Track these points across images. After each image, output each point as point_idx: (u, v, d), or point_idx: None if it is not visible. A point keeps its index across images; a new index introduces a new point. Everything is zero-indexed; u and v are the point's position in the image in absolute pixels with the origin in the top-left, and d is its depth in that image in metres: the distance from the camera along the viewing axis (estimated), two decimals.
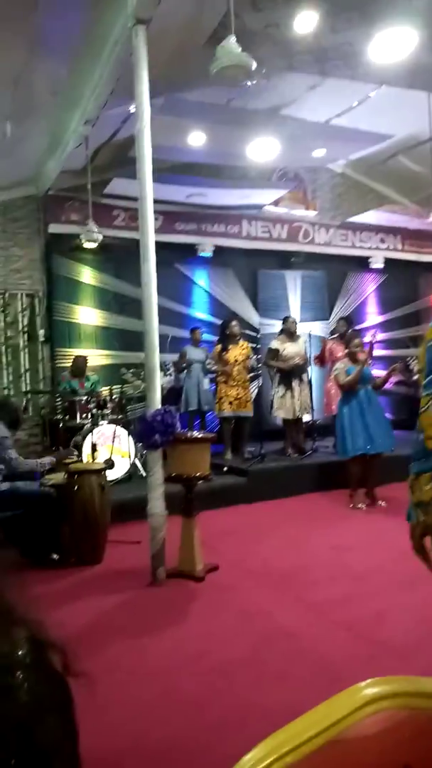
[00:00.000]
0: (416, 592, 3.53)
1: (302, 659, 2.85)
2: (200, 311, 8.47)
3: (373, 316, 9.98)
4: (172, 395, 7.36)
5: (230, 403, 6.95)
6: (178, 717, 2.42)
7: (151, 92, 4.17)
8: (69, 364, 7.35)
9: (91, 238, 6.60)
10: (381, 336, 8.43)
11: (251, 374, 7.39)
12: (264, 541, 4.98)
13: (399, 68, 5.08)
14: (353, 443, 5.74)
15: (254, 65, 3.26)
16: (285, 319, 7.37)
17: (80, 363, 7.12)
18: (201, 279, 8.49)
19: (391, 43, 4.60)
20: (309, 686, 2.54)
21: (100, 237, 6.69)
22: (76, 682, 0.46)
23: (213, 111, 5.96)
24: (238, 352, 7.04)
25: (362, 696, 0.71)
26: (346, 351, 5.93)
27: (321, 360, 7.76)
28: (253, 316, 8.83)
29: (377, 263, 9.87)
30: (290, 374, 7.07)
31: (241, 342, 7.17)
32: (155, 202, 4.29)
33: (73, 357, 7.33)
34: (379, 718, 0.72)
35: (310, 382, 7.35)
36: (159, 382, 4.09)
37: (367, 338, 6.62)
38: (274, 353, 7.11)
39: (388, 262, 9.92)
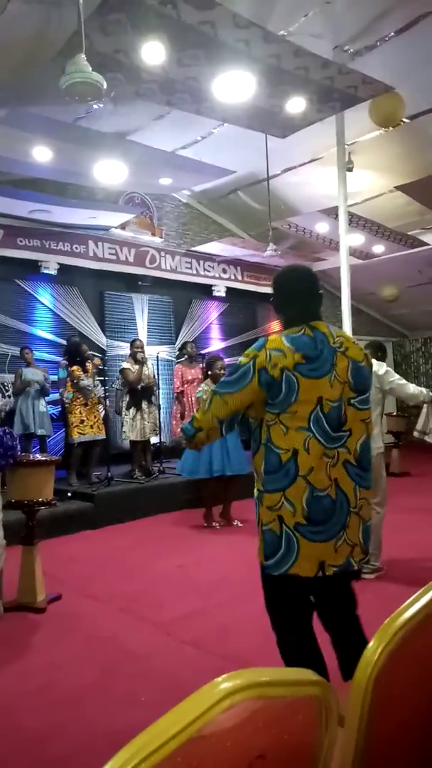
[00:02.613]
0: (257, 603, 3.66)
1: (150, 680, 2.82)
2: (43, 330, 8.16)
3: (216, 342, 10.36)
4: (10, 418, 6.97)
5: (91, 426, 6.77)
6: (20, 756, 2.25)
7: None
8: None
9: None
10: None
11: (98, 396, 7.25)
12: (110, 566, 4.87)
13: (239, 109, 5.42)
14: (210, 464, 5.80)
15: (105, 85, 3.28)
16: (132, 342, 7.36)
17: None
18: (44, 297, 8.21)
19: (232, 84, 4.90)
20: (158, 705, 2.51)
21: None
22: None
23: (59, 128, 5.87)
24: (91, 373, 6.90)
25: (219, 690, 0.73)
26: (210, 373, 6.02)
27: (179, 389, 7.87)
28: (99, 337, 8.71)
29: (220, 292, 10.31)
30: (140, 396, 7.05)
31: (90, 362, 7.02)
32: None
33: None
34: (236, 710, 0.75)
35: (159, 405, 7.40)
36: None
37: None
38: (127, 373, 7.05)
39: (230, 291, 10.41)
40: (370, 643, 0.98)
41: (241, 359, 1.97)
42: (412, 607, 1.02)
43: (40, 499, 3.93)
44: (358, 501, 1.97)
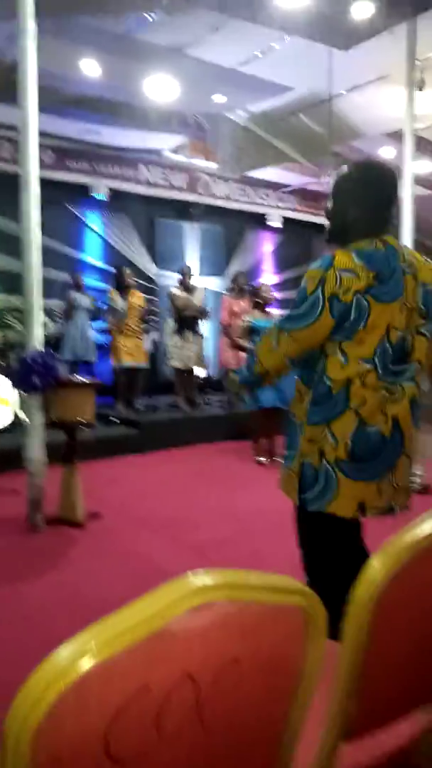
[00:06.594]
0: (293, 534, 3.68)
1: None
2: (93, 256, 8.14)
3: (268, 275, 10.10)
4: (59, 344, 7.07)
5: (129, 353, 6.81)
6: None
7: (41, 11, 3.81)
8: None
9: None
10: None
11: (144, 325, 7.27)
12: (151, 489, 4.98)
13: (300, 16, 5.02)
14: (265, 396, 5.70)
15: None
16: (181, 269, 7.27)
17: None
18: (94, 223, 8.13)
19: None
20: None
21: None
22: None
23: (110, 39, 5.61)
24: (134, 300, 6.88)
25: (190, 586, 0.68)
26: (255, 300, 5.88)
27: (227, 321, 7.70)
28: (149, 266, 8.62)
29: (274, 221, 9.95)
30: (184, 325, 7.01)
31: (134, 291, 6.99)
32: (45, 135, 4.01)
33: None
34: (208, 611, 0.70)
35: (202, 335, 7.33)
36: (40, 322, 3.88)
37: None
38: (175, 298, 7.01)
39: (285, 221, 10.03)
40: (374, 561, 0.92)
41: (307, 284, 1.70)
42: (421, 527, 0.95)
43: (80, 419, 3.99)
44: (412, 442, 1.80)
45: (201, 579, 0.69)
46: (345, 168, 1.86)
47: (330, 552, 1.88)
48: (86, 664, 0.61)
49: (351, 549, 1.89)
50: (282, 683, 0.79)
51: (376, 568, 0.93)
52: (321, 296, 1.66)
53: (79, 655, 0.61)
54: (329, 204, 1.87)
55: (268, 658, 0.75)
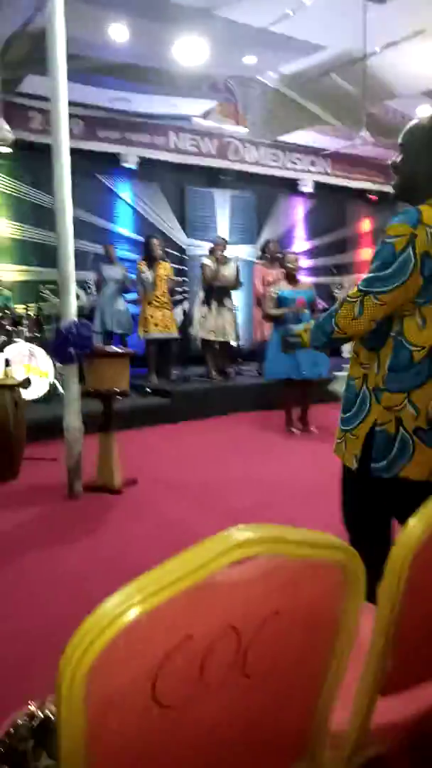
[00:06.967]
0: (326, 501, 3.69)
1: None
2: (124, 227, 8.13)
3: (300, 242, 9.94)
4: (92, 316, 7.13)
5: (156, 324, 6.82)
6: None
7: None
8: None
9: (3, 137, 5.98)
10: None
11: (176, 296, 7.27)
12: (184, 457, 5.05)
13: None
14: (276, 367, 5.69)
15: None
16: (215, 241, 7.21)
17: None
18: (125, 192, 8.10)
19: None
20: None
21: (12, 137, 6.06)
22: None
23: (137, 2, 5.50)
24: (161, 271, 6.87)
25: (233, 539, 0.71)
26: (282, 271, 5.83)
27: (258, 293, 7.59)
28: (180, 236, 8.57)
29: (307, 187, 9.74)
30: (213, 296, 6.97)
31: (162, 262, 6.97)
32: (75, 104, 3.99)
33: None
34: (251, 564, 0.72)
35: (233, 308, 7.25)
36: (74, 293, 3.92)
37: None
38: (206, 269, 6.97)
39: (318, 186, 9.81)
40: (411, 521, 0.93)
41: (394, 241, 1.62)
42: None
43: (116, 389, 4.05)
44: None
45: (244, 533, 0.71)
46: (418, 119, 1.77)
47: (385, 516, 1.83)
48: (134, 613, 0.64)
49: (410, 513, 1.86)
50: (321, 637, 0.82)
51: (413, 528, 0.94)
52: (412, 254, 1.60)
53: (127, 605, 0.64)
54: (398, 158, 1.78)
55: (308, 611, 0.78)
